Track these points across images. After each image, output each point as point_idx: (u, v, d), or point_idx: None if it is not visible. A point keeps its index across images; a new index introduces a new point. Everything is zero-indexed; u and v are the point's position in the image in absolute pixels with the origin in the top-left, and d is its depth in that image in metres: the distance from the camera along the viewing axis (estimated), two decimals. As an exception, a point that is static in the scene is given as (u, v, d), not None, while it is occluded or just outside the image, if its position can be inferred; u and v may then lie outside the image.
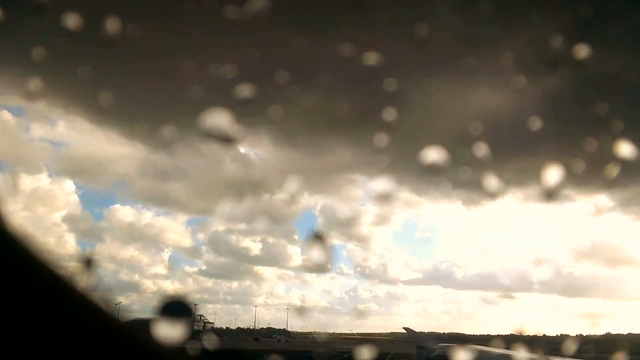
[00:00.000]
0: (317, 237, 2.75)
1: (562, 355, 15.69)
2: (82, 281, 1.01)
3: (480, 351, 20.18)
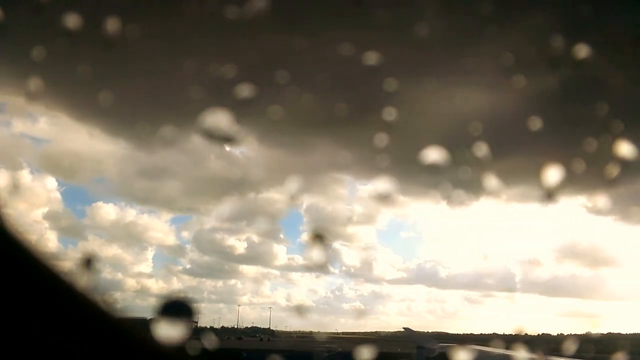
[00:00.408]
0: (317, 237, 2.75)
1: (562, 355, 15.71)
2: (82, 281, 1.01)
3: (480, 351, 20.19)
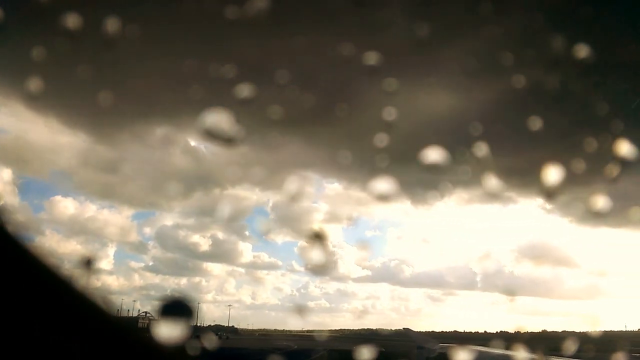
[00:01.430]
0: (317, 237, 2.75)
1: (562, 355, 15.72)
2: (82, 281, 1.01)
3: (480, 351, 20.20)
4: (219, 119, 3.32)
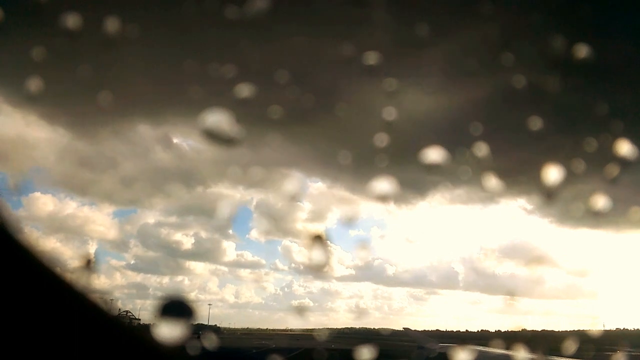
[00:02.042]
0: (317, 238, 2.75)
1: (562, 355, 15.73)
2: (82, 281, 1.01)
3: (480, 351, 20.20)
4: (211, 118, 3.32)
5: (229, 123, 3.30)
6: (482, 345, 22.21)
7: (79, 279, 1.01)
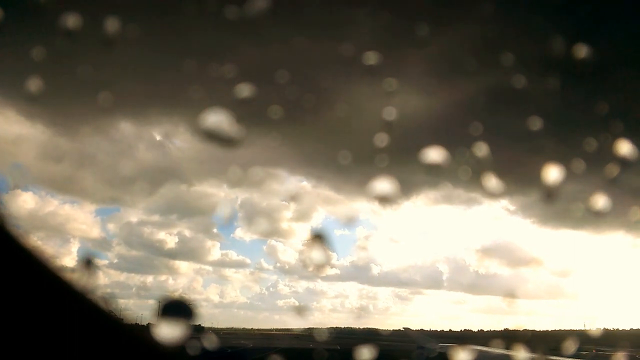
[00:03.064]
0: (317, 237, 2.75)
1: (562, 355, 15.75)
2: (82, 281, 1.01)
3: (481, 351, 20.19)
4: (210, 118, 3.32)
5: (228, 123, 3.30)
6: (481, 346, 22.20)
7: (79, 279, 1.00)
